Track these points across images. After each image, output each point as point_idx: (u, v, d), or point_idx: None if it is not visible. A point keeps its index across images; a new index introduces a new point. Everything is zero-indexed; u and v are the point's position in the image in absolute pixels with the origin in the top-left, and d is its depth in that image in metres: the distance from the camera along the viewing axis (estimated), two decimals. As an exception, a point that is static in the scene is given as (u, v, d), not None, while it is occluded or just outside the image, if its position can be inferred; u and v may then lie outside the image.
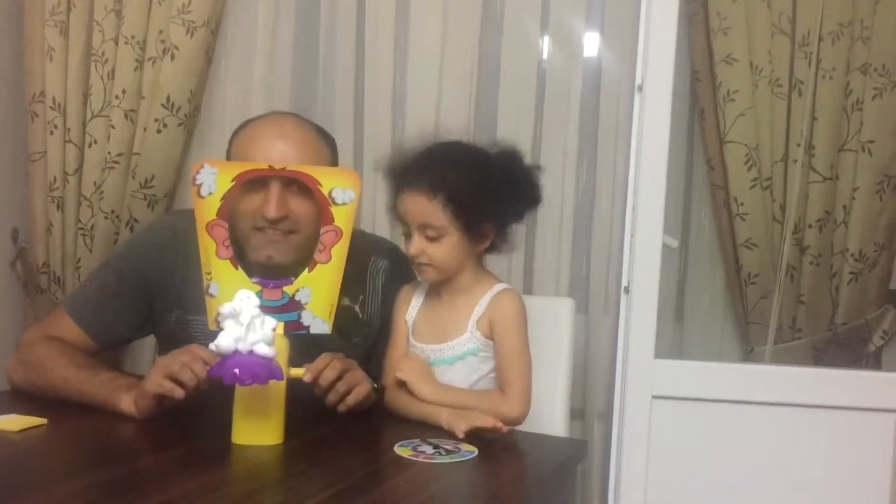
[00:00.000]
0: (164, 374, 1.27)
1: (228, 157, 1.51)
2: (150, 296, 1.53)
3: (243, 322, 1.15)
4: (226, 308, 1.16)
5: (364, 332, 1.58)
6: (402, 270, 1.59)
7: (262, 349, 1.16)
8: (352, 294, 1.54)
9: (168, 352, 1.34)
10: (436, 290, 1.49)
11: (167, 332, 1.54)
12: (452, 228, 1.37)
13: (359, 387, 1.37)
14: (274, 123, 1.49)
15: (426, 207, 1.36)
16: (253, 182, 1.38)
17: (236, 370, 1.13)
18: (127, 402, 1.33)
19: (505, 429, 1.31)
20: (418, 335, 1.47)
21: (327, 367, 1.33)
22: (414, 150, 1.42)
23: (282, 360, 1.23)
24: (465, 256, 1.42)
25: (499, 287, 1.45)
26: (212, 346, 1.16)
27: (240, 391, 1.21)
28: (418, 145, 1.43)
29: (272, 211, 1.39)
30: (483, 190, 1.38)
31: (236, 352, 1.15)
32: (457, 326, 1.43)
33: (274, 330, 1.19)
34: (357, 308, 1.57)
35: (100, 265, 1.74)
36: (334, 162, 1.54)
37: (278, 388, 1.22)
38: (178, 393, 1.26)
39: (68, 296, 1.78)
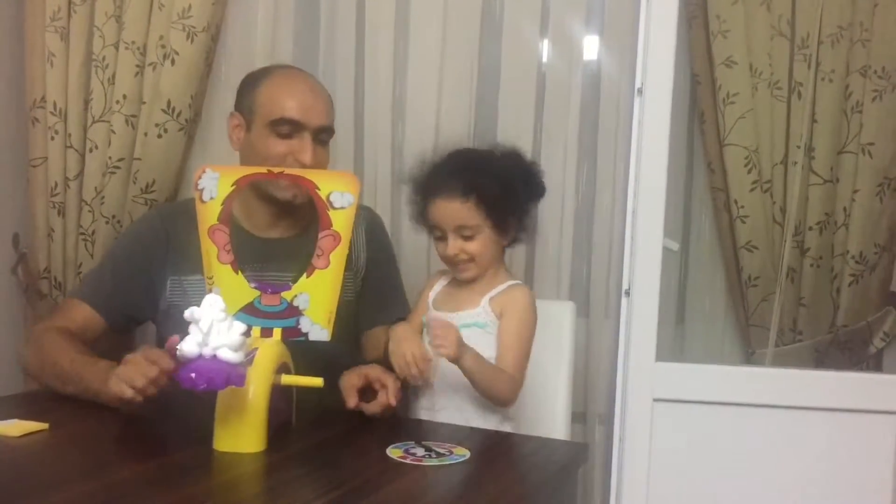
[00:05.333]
0: (122, 379, 1.29)
1: (249, 106, 1.62)
2: (148, 271, 1.63)
3: (203, 328, 1.14)
4: (188, 313, 1.16)
5: (354, 270, 1.71)
6: (380, 226, 1.82)
7: (226, 354, 1.14)
8: None
9: (166, 331, 1.42)
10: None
11: (169, 303, 1.63)
12: (485, 226, 1.48)
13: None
14: (299, 78, 1.66)
15: (460, 209, 1.46)
16: (279, 129, 1.56)
17: (192, 374, 1.11)
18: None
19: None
20: (436, 306, 1.56)
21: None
22: (436, 160, 1.53)
23: (266, 366, 1.21)
24: (495, 250, 1.52)
25: (517, 281, 1.55)
26: (177, 349, 1.16)
27: (219, 397, 1.20)
28: (438, 155, 1.54)
29: (307, 158, 1.55)
30: (506, 188, 1.48)
31: (200, 356, 1.14)
32: (470, 301, 1.52)
33: (244, 335, 1.16)
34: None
35: (98, 262, 1.86)
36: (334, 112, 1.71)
37: (258, 395, 1.20)
38: (138, 399, 1.28)
39: (72, 288, 1.90)
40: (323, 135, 1.62)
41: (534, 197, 1.55)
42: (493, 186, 1.47)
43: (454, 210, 1.47)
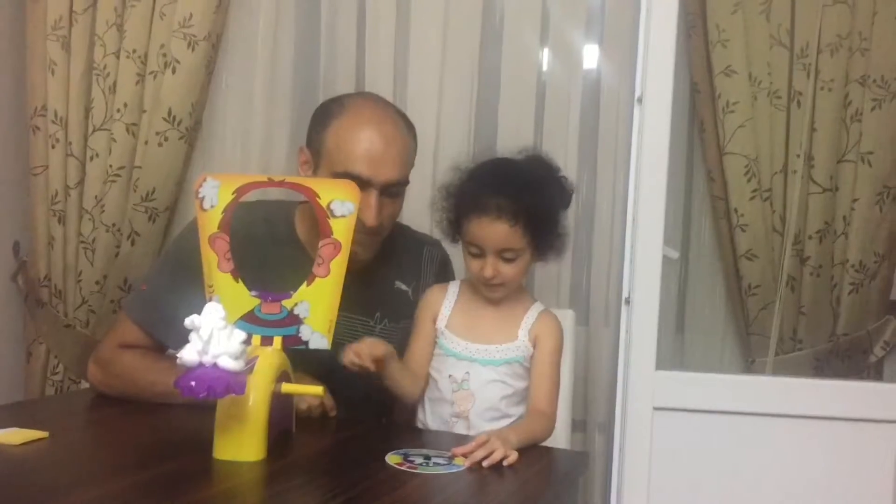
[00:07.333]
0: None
1: (317, 147, 1.52)
2: (202, 286, 1.50)
3: (203, 336, 1.13)
4: (188, 321, 1.15)
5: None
6: (449, 265, 1.73)
7: (227, 362, 1.13)
8: (406, 278, 1.66)
9: None
10: (469, 292, 1.50)
11: None
12: (527, 249, 1.42)
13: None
14: (372, 121, 1.50)
15: (508, 234, 1.38)
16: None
17: (192, 383, 1.11)
18: None
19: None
20: (459, 332, 1.47)
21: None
22: (477, 171, 1.45)
23: (267, 374, 1.21)
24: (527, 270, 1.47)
25: (540, 304, 1.52)
26: (177, 358, 1.15)
27: (219, 405, 1.19)
28: (477, 165, 1.46)
29: (371, 219, 1.46)
30: (551, 206, 1.43)
31: (200, 364, 1.13)
32: (506, 331, 1.47)
33: (245, 343, 1.16)
34: (410, 292, 1.66)
35: (150, 268, 1.79)
36: (415, 151, 1.59)
37: (258, 403, 1.19)
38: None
39: (127, 302, 1.71)
40: (393, 188, 1.50)
41: (563, 208, 1.48)
42: (543, 210, 1.40)
43: (501, 233, 1.38)
